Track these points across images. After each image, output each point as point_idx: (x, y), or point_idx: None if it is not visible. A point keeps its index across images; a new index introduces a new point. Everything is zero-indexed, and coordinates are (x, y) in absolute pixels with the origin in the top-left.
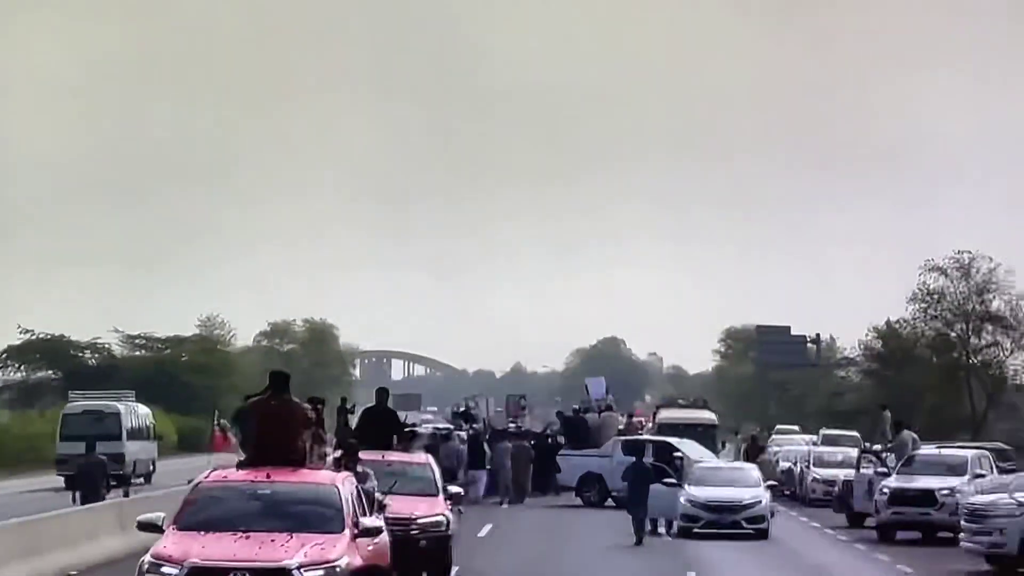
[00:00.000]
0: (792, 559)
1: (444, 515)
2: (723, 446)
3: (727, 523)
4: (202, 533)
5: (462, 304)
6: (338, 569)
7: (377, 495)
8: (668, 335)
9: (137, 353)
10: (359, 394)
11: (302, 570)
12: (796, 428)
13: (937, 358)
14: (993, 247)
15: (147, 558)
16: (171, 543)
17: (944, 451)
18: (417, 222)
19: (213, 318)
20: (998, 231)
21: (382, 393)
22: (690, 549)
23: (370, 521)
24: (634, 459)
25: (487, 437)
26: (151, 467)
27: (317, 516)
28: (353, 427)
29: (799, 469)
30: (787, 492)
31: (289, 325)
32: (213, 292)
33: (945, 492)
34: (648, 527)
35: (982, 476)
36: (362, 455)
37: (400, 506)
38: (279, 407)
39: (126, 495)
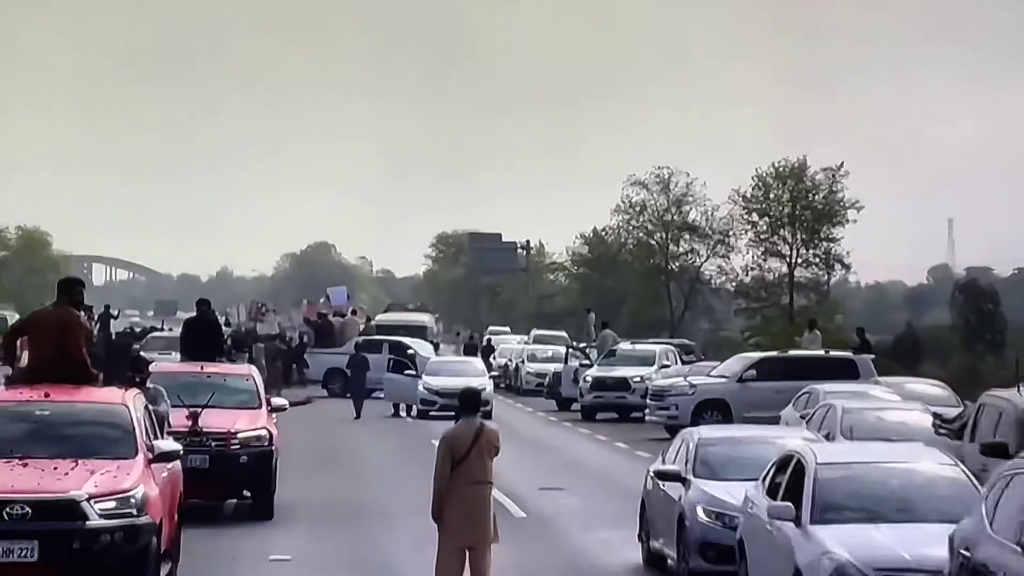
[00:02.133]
0: (513, 434)
1: (267, 429)
2: (436, 347)
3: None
4: None
5: (163, 206)
6: (133, 499)
7: (191, 411)
8: (378, 240)
9: None
10: (33, 298)
11: (92, 502)
12: (507, 329)
13: (639, 264)
14: (690, 163)
15: None
16: None
17: (637, 346)
18: (121, 123)
19: None
20: (695, 148)
21: (203, 304)
22: (430, 426)
23: (166, 444)
24: (357, 354)
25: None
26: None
27: (106, 440)
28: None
29: (514, 364)
30: (503, 384)
31: (1, 233)
32: None
33: (637, 379)
34: (392, 410)
35: (667, 366)
36: (179, 366)
37: (219, 420)
38: (53, 315)
39: None
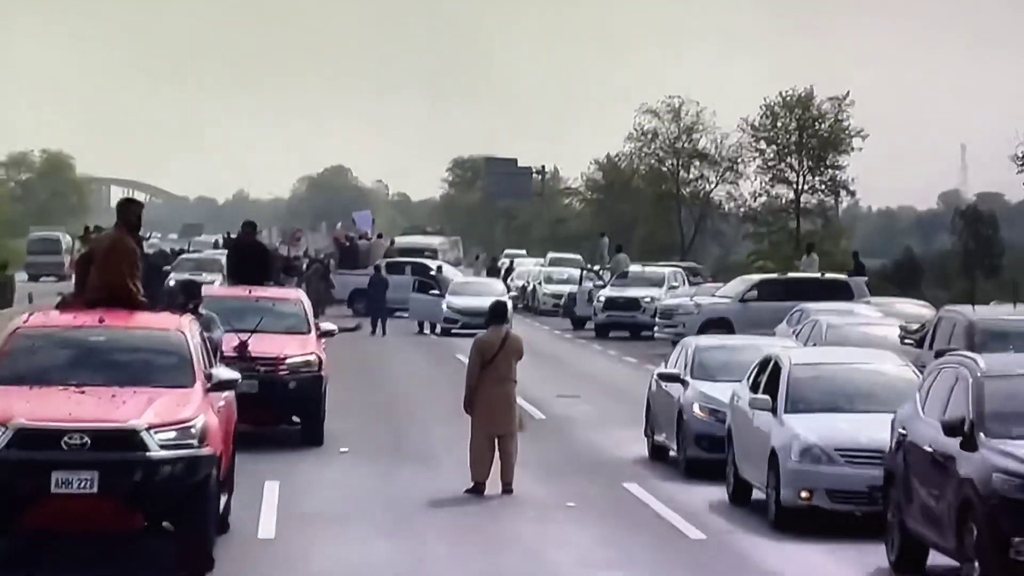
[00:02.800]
0: (531, 349)
1: (316, 355)
2: (439, 269)
3: (478, 324)
4: (28, 387)
5: (180, 128)
6: (193, 430)
7: (240, 336)
8: (395, 163)
9: None
10: (55, 219)
11: (152, 432)
12: (523, 252)
13: (651, 189)
14: (700, 92)
15: None
16: None
17: (648, 269)
18: (138, 47)
19: None
20: (705, 77)
21: (249, 226)
22: (453, 342)
23: (224, 372)
24: (377, 274)
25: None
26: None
27: (163, 368)
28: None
29: (531, 286)
30: (520, 305)
31: (26, 155)
32: None
33: (647, 300)
34: (417, 328)
35: (676, 287)
36: (228, 290)
37: (268, 345)
38: (105, 239)
39: (30, 300)
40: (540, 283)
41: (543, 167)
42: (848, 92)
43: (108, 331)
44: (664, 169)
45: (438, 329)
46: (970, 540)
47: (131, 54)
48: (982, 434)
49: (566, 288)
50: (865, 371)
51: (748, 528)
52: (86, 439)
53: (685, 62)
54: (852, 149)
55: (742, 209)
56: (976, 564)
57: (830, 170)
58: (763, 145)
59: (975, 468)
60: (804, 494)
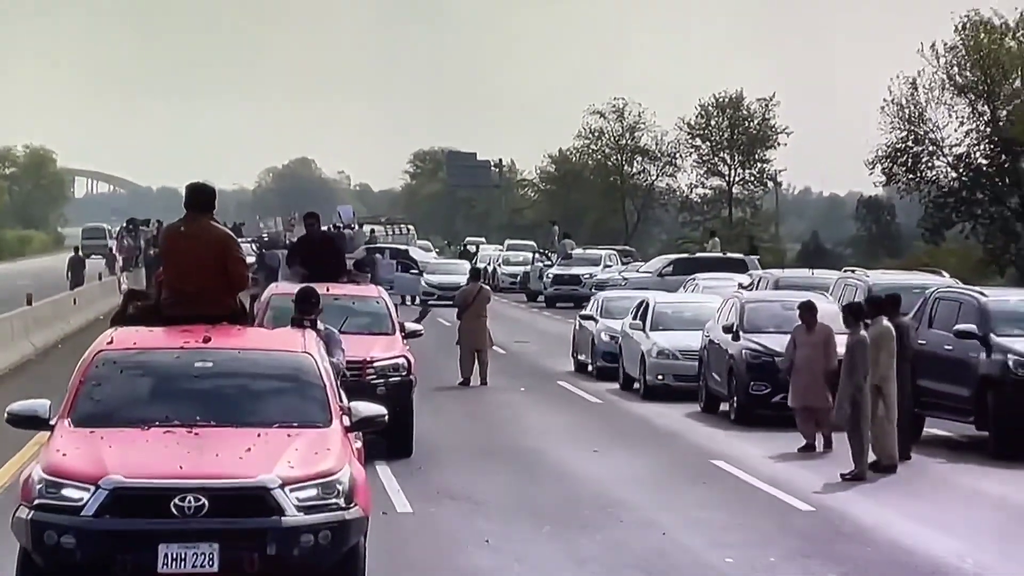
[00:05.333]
0: (494, 313)
1: (405, 356)
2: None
3: (450, 296)
4: (120, 430)
5: (142, 119)
6: (339, 485)
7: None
8: (356, 155)
9: None
10: (38, 211)
11: (287, 489)
12: (483, 239)
13: (599, 181)
14: (642, 94)
15: (37, 474)
16: (72, 449)
17: (588, 251)
18: (100, 37)
19: None
20: (646, 80)
21: (312, 218)
22: (432, 310)
23: (365, 407)
24: (368, 255)
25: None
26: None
27: (291, 402)
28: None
29: (492, 267)
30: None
31: (9, 151)
32: None
33: (587, 276)
34: (399, 300)
35: (610, 266)
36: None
37: (352, 347)
38: (198, 235)
39: (100, 278)
40: (500, 264)
41: (500, 160)
42: (774, 93)
43: (217, 354)
44: (610, 164)
45: (417, 300)
46: (731, 386)
47: (96, 46)
48: (741, 332)
49: (521, 268)
50: (700, 307)
51: (629, 399)
52: (203, 500)
53: (627, 66)
54: (778, 144)
55: (680, 199)
56: (734, 398)
57: (759, 164)
58: (698, 142)
59: (736, 349)
60: (660, 377)
